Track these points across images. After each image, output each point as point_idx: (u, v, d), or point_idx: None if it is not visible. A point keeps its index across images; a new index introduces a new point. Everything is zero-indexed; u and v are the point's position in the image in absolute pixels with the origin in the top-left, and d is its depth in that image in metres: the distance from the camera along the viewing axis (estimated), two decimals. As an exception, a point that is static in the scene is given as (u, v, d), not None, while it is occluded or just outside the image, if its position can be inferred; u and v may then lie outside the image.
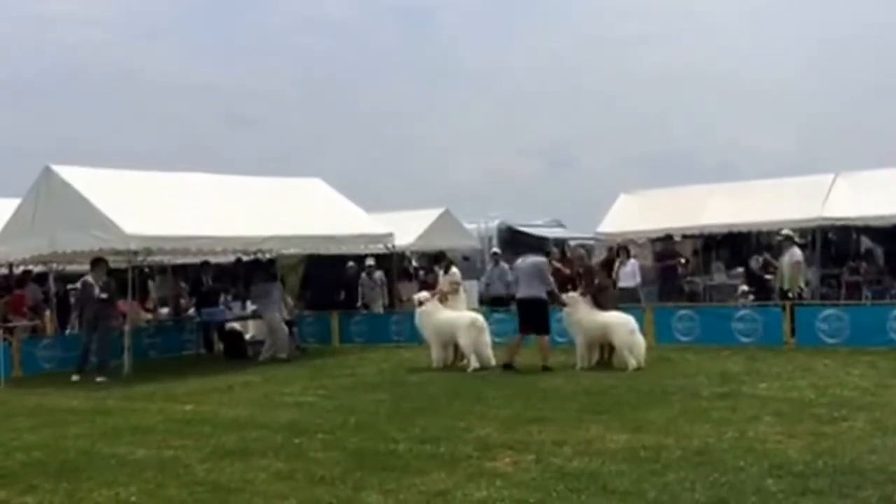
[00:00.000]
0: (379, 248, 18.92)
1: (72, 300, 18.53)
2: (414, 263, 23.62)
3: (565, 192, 55.34)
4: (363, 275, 20.72)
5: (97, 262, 15.24)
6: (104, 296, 15.08)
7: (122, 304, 16.37)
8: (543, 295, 13.64)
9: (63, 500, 6.97)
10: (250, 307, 18.23)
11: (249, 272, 18.91)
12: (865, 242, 20.48)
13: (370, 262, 20.48)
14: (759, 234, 20.21)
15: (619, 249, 18.32)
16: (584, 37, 58.35)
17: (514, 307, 15.09)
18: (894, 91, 49.61)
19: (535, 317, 13.56)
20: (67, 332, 18.40)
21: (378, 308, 20.40)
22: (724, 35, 55.19)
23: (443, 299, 14.73)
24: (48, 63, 54.99)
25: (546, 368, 13.12)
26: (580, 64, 58.41)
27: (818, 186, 18.92)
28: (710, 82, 53.60)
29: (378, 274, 20.75)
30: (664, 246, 19.90)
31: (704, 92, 53.50)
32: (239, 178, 18.26)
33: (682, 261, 19.98)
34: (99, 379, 14.50)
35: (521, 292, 13.83)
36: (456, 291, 14.95)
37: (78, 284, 15.57)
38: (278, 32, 60.21)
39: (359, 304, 20.73)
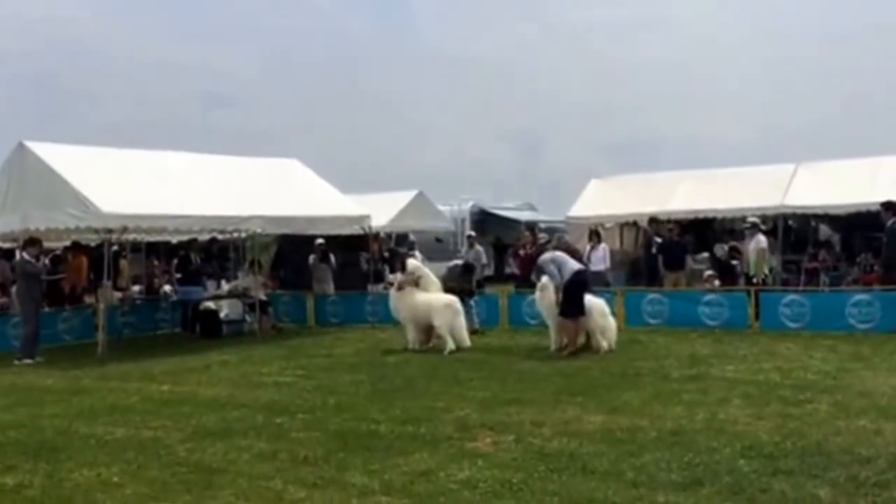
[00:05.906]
0: (355, 230, 18.91)
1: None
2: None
3: (537, 176, 55.90)
4: (311, 257, 20.20)
5: (34, 241, 15.00)
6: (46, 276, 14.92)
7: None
8: None
9: (43, 480, 6.89)
10: (225, 286, 18.19)
11: None
12: (824, 230, 20.89)
13: (320, 241, 19.97)
14: (724, 220, 20.56)
15: (591, 234, 18.53)
16: (557, 24, 58.72)
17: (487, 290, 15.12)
18: (853, 84, 50.57)
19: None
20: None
21: (329, 291, 19.95)
22: (692, 27, 55.96)
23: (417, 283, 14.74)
24: (22, 40, 54.26)
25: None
26: (553, 51, 58.89)
27: (780, 176, 19.32)
28: (677, 73, 54.31)
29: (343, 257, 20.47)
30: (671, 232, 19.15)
31: (673, 82, 54.21)
32: (215, 158, 18.10)
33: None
34: (27, 361, 14.29)
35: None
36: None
37: (16, 262, 15.19)
38: (251, 13, 59.81)
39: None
